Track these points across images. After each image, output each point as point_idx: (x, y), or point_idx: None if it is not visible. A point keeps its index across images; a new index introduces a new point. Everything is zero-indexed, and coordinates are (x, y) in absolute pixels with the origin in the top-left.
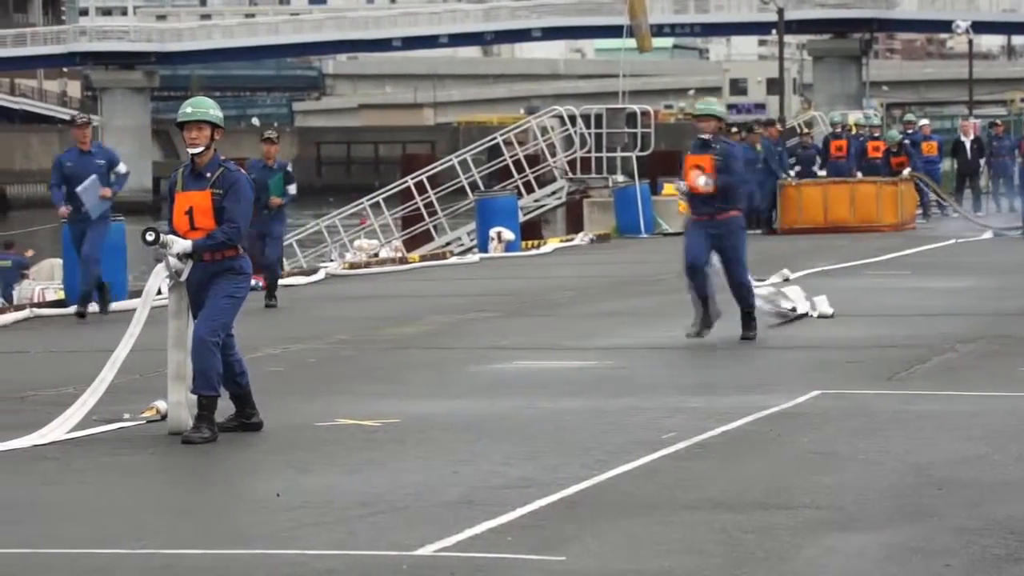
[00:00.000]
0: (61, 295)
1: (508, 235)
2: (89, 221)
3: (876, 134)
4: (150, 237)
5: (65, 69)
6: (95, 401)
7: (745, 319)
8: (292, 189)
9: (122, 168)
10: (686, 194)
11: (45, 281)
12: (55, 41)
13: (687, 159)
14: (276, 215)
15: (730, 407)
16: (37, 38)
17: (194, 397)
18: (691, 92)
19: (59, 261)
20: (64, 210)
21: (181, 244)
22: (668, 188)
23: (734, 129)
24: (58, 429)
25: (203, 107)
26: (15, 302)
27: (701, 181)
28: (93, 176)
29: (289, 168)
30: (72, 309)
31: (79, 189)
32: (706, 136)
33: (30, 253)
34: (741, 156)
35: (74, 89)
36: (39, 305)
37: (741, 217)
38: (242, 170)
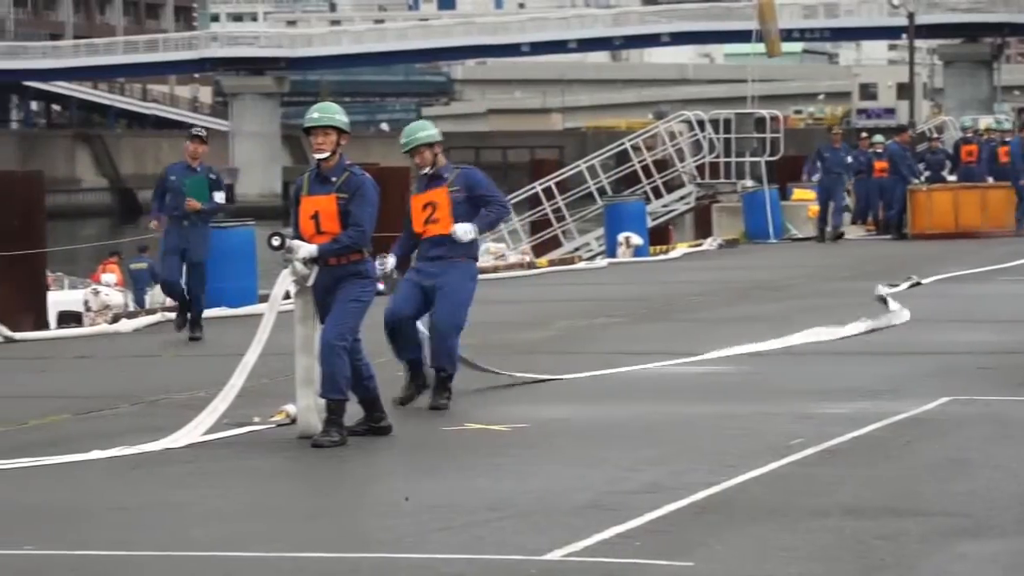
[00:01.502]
0: None
1: (636, 240)
2: (191, 238)
3: (1007, 139)
4: (276, 242)
5: (196, 75)
6: (225, 407)
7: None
8: (219, 197)
9: (220, 197)
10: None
11: None
12: (187, 47)
13: (413, 201)
14: (197, 232)
15: (859, 413)
16: (169, 44)
17: (323, 401)
18: (820, 97)
19: None
20: (155, 223)
21: (307, 249)
22: (797, 193)
23: (863, 134)
24: (190, 433)
25: (329, 112)
26: (147, 306)
27: (460, 231)
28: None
29: (216, 174)
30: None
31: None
32: (427, 170)
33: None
34: (483, 177)
35: (205, 95)
36: (170, 309)
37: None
38: (367, 174)
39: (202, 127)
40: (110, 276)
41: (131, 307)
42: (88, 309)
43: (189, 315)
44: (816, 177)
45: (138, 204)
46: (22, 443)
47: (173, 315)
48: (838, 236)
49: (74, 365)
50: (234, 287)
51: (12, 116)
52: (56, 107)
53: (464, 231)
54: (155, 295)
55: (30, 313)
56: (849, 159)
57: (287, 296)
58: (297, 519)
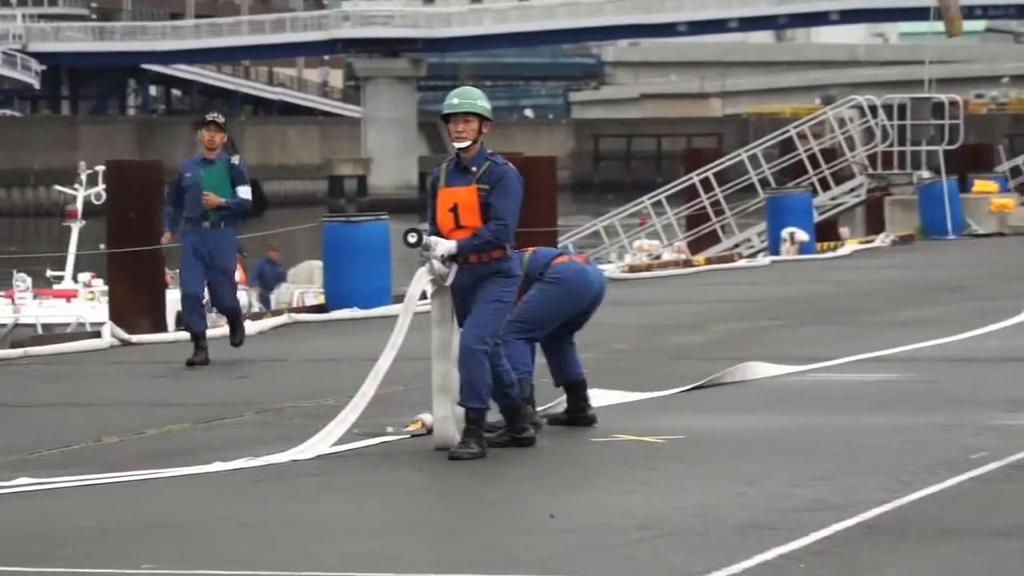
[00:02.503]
0: (321, 299)
1: (802, 236)
2: (213, 242)
3: None
4: (412, 239)
5: (326, 57)
6: (356, 416)
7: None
8: (244, 192)
9: (245, 192)
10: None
11: (304, 285)
12: (316, 27)
13: (441, 195)
14: (220, 235)
15: None
16: (297, 24)
17: (461, 410)
18: (1005, 80)
19: (319, 263)
20: (167, 236)
21: (445, 245)
22: (979, 185)
23: None
24: (318, 444)
25: (470, 98)
26: (272, 306)
27: (439, 248)
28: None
29: (236, 162)
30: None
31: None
32: (462, 145)
33: (275, 254)
34: (513, 185)
35: (336, 79)
36: (297, 310)
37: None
38: (511, 164)
39: (219, 113)
40: None
41: (255, 307)
42: (210, 309)
43: (228, 329)
44: None
45: (263, 196)
46: (139, 454)
47: (300, 317)
48: None
49: (194, 370)
50: (366, 287)
51: (129, 101)
52: (176, 92)
53: (444, 247)
54: (280, 295)
55: (147, 314)
56: None
57: (423, 296)
58: (432, 537)
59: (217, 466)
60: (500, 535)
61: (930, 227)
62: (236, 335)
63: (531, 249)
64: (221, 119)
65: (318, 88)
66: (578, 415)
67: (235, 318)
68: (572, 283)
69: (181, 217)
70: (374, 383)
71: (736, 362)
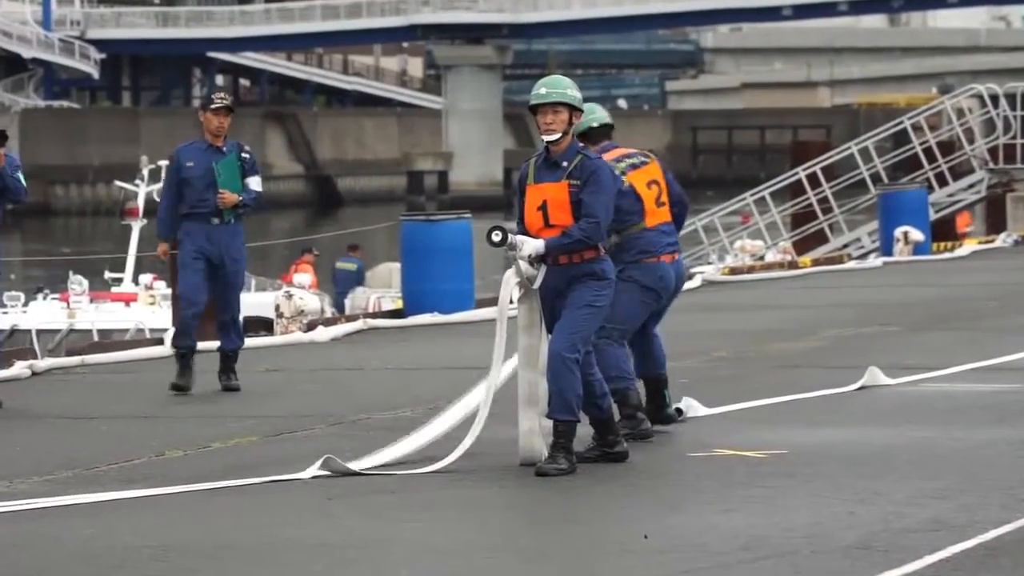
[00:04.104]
0: (399, 304)
1: (916, 235)
2: (224, 242)
3: None
4: (496, 237)
5: (405, 44)
6: (471, 441)
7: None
8: (256, 184)
9: (256, 183)
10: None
11: (381, 288)
12: (394, 12)
13: (529, 192)
14: (230, 233)
15: None
16: (374, 9)
17: (549, 423)
18: None
19: (396, 265)
20: (164, 248)
21: (532, 245)
22: None
23: None
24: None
25: (560, 87)
26: (347, 311)
27: (526, 247)
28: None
29: (249, 154)
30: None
31: None
32: (552, 138)
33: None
34: (607, 180)
35: (415, 67)
36: (374, 315)
37: None
38: (604, 158)
39: (225, 95)
40: (304, 277)
41: (329, 313)
42: (280, 315)
43: (220, 361)
44: None
45: (338, 194)
46: (205, 469)
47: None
48: None
49: (263, 379)
50: (447, 290)
51: (195, 92)
52: (244, 82)
53: (532, 247)
54: (355, 299)
55: (213, 319)
56: None
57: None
58: (516, 558)
59: (288, 478)
60: (590, 557)
61: None
62: (233, 370)
63: (652, 223)
64: (231, 100)
65: (396, 77)
66: (657, 414)
67: (234, 346)
68: (655, 289)
69: (171, 216)
70: (488, 402)
71: (846, 371)
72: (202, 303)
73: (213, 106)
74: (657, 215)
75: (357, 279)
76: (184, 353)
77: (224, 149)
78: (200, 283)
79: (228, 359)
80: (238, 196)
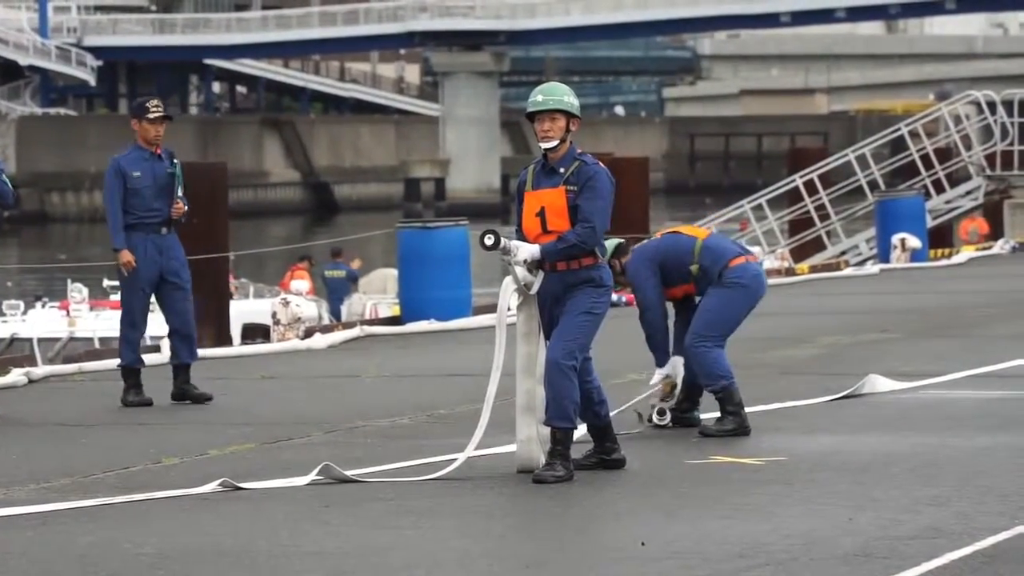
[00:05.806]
0: (396, 311)
1: (914, 242)
2: (174, 252)
3: None
4: (489, 240)
5: (402, 51)
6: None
7: None
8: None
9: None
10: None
11: (377, 295)
12: (391, 19)
13: (527, 199)
14: (175, 242)
15: None
16: (371, 16)
17: (547, 430)
18: None
19: (393, 272)
20: (130, 258)
21: (527, 250)
22: None
23: None
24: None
25: (557, 94)
26: (344, 318)
27: (521, 252)
28: None
29: (177, 159)
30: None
31: None
32: (549, 145)
33: (357, 264)
34: (604, 186)
35: (412, 74)
36: (371, 322)
37: None
38: (601, 164)
39: (162, 102)
40: (301, 283)
41: (325, 319)
42: (276, 322)
43: (175, 372)
44: None
45: (334, 201)
46: (202, 476)
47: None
48: None
49: (260, 387)
50: (444, 298)
51: (192, 99)
52: (241, 89)
53: (527, 252)
54: (352, 305)
55: (211, 326)
56: None
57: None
58: (513, 566)
59: (281, 484)
60: (587, 564)
61: None
62: (188, 377)
63: (702, 236)
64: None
65: (393, 84)
66: (683, 415)
67: (192, 349)
68: (752, 287)
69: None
70: (487, 411)
71: (843, 378)
72: (145, 327)
73: (151, 115)
74: (702, 231)
75: (348, 284)
76: (136, 370)
77: (162, 157)
78: (147, 307)
79: (185, 372)
80: (185, 206)
